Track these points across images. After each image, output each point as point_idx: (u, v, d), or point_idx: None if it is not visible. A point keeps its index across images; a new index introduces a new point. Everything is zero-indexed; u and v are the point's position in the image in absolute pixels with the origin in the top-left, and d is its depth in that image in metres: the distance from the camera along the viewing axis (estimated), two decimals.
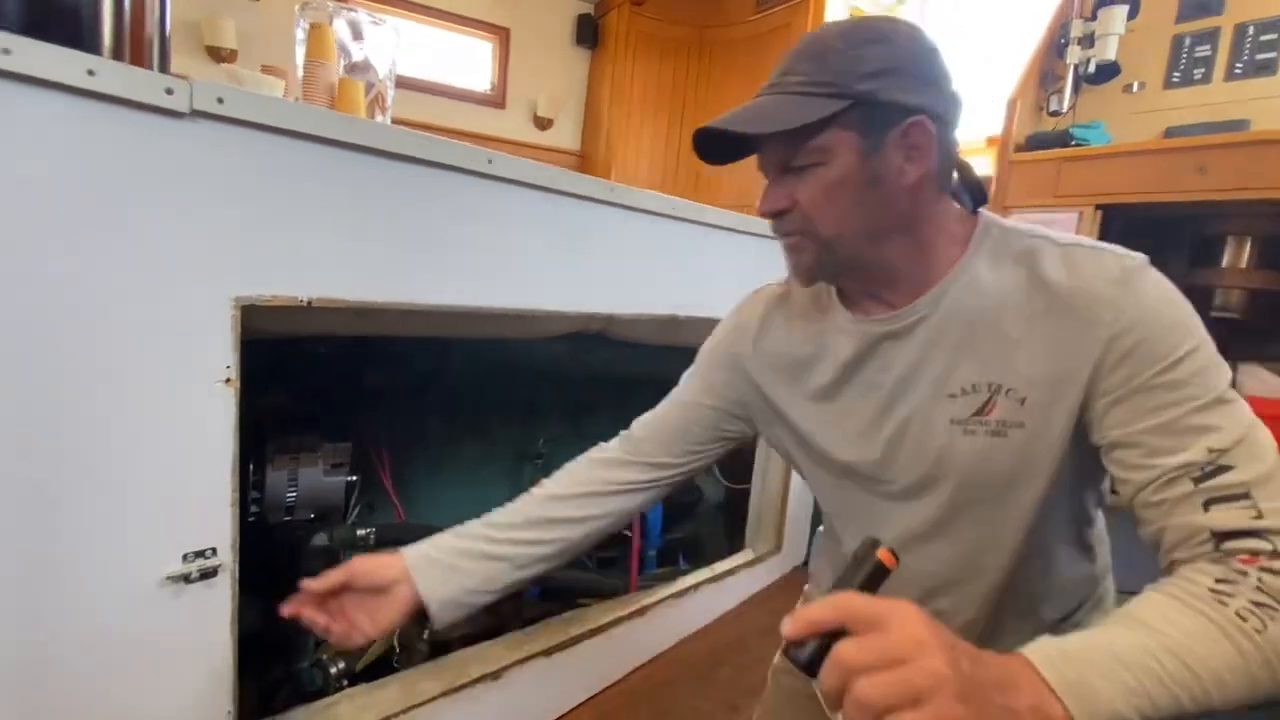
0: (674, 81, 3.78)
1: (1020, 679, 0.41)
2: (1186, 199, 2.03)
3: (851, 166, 0.58)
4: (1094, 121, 2.40)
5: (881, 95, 0.56)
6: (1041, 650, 0.43)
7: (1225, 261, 2.23)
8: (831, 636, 0.39)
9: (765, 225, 1.62)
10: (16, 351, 0.66)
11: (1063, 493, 0.61)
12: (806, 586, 0.95)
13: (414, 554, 0.73)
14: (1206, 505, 0.50)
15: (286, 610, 0.71)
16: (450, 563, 0.73)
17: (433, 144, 0.92)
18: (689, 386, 0.83)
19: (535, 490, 0.82)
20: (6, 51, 0.61)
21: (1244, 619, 0.44)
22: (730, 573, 1.76)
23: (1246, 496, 0.48)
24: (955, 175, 0.63)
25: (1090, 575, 0.70)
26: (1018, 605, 0.67)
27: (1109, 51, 2.35)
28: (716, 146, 0.63)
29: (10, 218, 0.64)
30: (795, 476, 1.89)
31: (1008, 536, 0.63)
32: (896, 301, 0.64)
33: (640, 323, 1.37)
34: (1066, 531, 0.66)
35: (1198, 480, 0.50)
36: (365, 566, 0.71)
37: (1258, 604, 0.45)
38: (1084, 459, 0.59)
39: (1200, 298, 2.33)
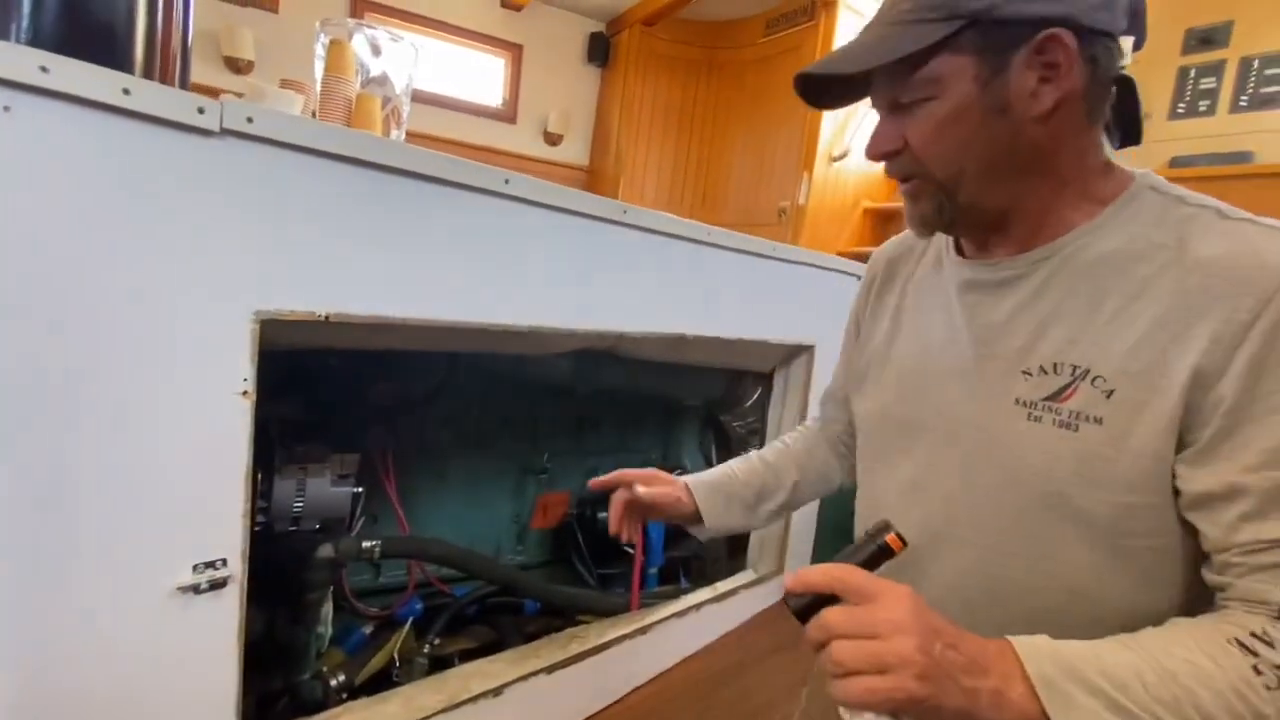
0: (683, 101, 3.82)
1: (993, 664, 0.42)
2: None
3: (968, 96, 0.50)
4: None
5: (1002, 11, 0.47)
6: (1032, 643, 0.43)
7: None
8: (827, 598, 0.44)
9: (769, 246, 1.63)
10: (37, 359, 0.67)
11: (1163, 522, 0.49)
12: None
13: (699, 488, 0.80)
14: None
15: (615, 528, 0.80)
16: (725, 502, 0.80)
17: (451, 164, 0.94)
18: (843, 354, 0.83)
19: (785, 458, 0.84)
20: (44, 69, 0.62)
21: (1260, 673, 0.40)
22: (732, 593, 1.76)
23: None
24: (1113, 98, 0.52)
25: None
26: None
27: None
28: (823, 89, 0.57)
29: (40, 230, 0.65)
30: None
31: (1059, 558, 0.52)
32: (1006, 249, 0.56)
33: (649, 341, 1.38)
34: (1159, 573, 0.51)
35: None
36: (666, 501, 0.78)
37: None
38: None
39: None
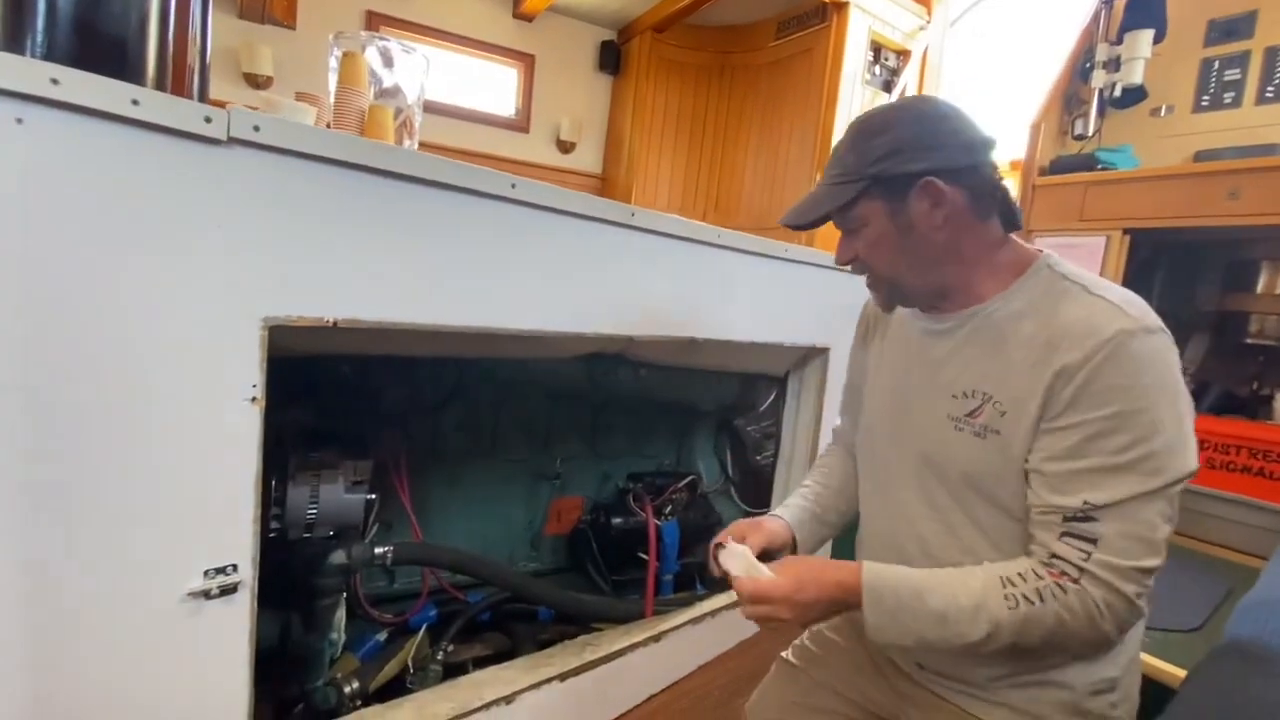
0: (695, 106, 3.82)
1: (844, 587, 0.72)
2: (1218, 224, 2.00)
3: (886, 224, 0.75)
4: (1121, 145, 2.38)
5: (891, 171, 0.72)
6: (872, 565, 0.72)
7: (1260, 288, 2.17)
8: None
9: (780, 248, 1.62)
10: (49, 367, 0.68)
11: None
12: None
13: (790, 518, 0.95)
14: (1062, 535, 0.66)
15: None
16: (811, 525, 0.97)
17: (456, 169, 0.94)
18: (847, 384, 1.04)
19: (827, 473, 1.03)
20: (55, 82, 0.64)
21: (1010, 601, 0.65)
22: None
23: (1093, 543, 0.64)
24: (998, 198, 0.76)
25: None
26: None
27: (1135, 75, 2.33)
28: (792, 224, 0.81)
29: (52, 239, 0.66)
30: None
31: (995, 534, 0.74)
32: (945, 308, 0.80)
33: (659, 345, 1.37)
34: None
35: (1066, 519, 0.65)
36: (772, 538, 0.91)
37: (1027, 596, 0.65)
38: None
39: (1235, 325, 2.27)
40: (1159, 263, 2.39)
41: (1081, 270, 0.73)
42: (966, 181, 0.73)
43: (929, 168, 0.71)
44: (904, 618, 0.69)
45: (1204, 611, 1.56)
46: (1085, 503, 0.64)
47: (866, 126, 0.76)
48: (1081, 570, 0.64)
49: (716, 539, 0.86)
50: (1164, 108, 2.43)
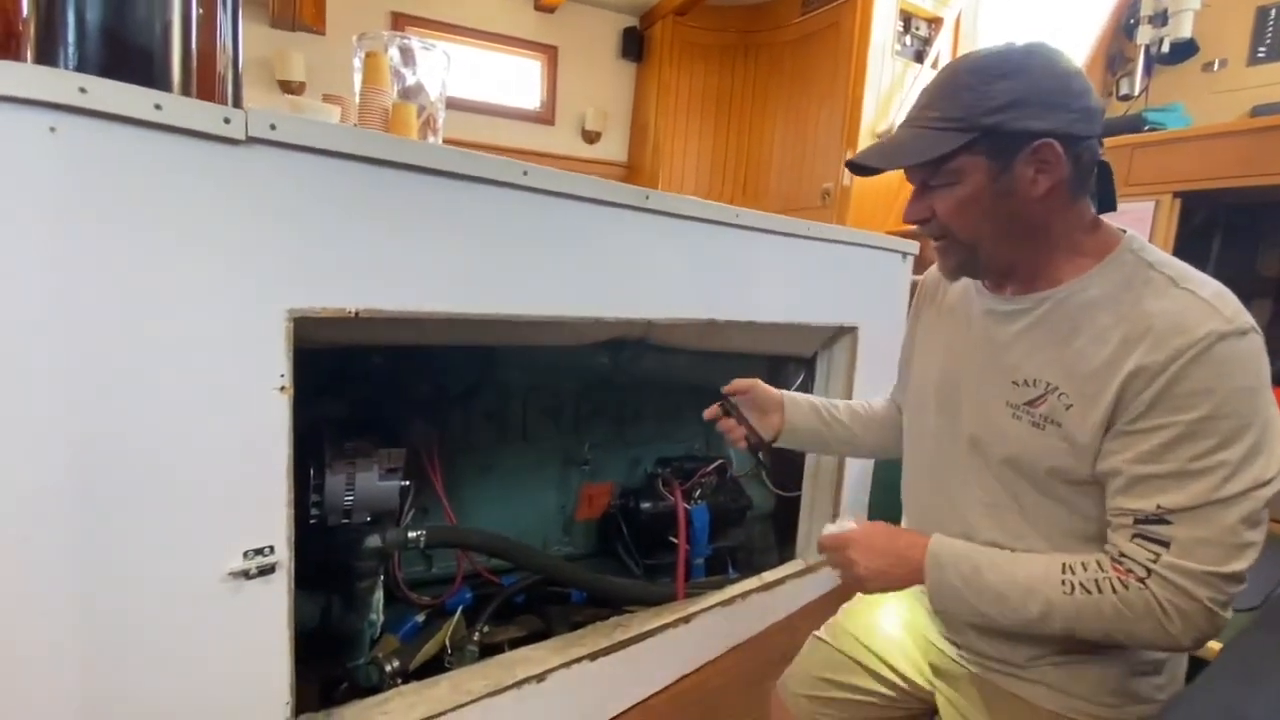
0: (720, 88, 3.78)
1: (909, 555, 0.74)
2: (1279, 182, 1.88)
3: (981, 185, 0.67)
4: (1171, 104, 2.25)
5: (1009, 125, 0.64)
6: (940, 538, 0.74)
7: None
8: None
9: (803, 226, 1.59)
10: (87, 363, 0.72)
11: (1086, 488, 0.69)
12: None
13: (786, 396, 1.03)
14: (1133, 537, 0.63)
15: (707, 414, 1.03)
16: (806, 410, 1.02)
17: (465, 158, 0.96)
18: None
19: (863, 405, 1.06)
20: (83, 90, 0.67)
21: (1066, 587, 0.65)
22: (780, 582, 1.73)
23: (1165, 545, 0.61)
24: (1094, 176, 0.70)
25: None
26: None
27: (1184, 29, 2.21)
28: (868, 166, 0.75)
29: (84, 240, 0.70)
30: (846, 487, 1.84)
31: (1044, 525, 0.72)
32: (1015, 289, 0.74)
33: (680, 328, 1.37)
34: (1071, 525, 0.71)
35: (1138, 521, 0.63)
36: (759, 390, 1.03)
37: (1084, 584, 0.64)
38: None
39: None
40: (1214, 227, 2.26)
41: (1168, 257, 0.67)
42: (1076, 152, 0.65)
43: (1051, 129, 0.64)
44: (964, 591, 0.70)
45: (1264, 590, 1.48)
46: (1159, 506, 0.61)
47: (986, 66, 0.66)
48: (1149, 571, 0.61)
49: (725, 389, 1.01)
50: (1216, 62, 2.29)
